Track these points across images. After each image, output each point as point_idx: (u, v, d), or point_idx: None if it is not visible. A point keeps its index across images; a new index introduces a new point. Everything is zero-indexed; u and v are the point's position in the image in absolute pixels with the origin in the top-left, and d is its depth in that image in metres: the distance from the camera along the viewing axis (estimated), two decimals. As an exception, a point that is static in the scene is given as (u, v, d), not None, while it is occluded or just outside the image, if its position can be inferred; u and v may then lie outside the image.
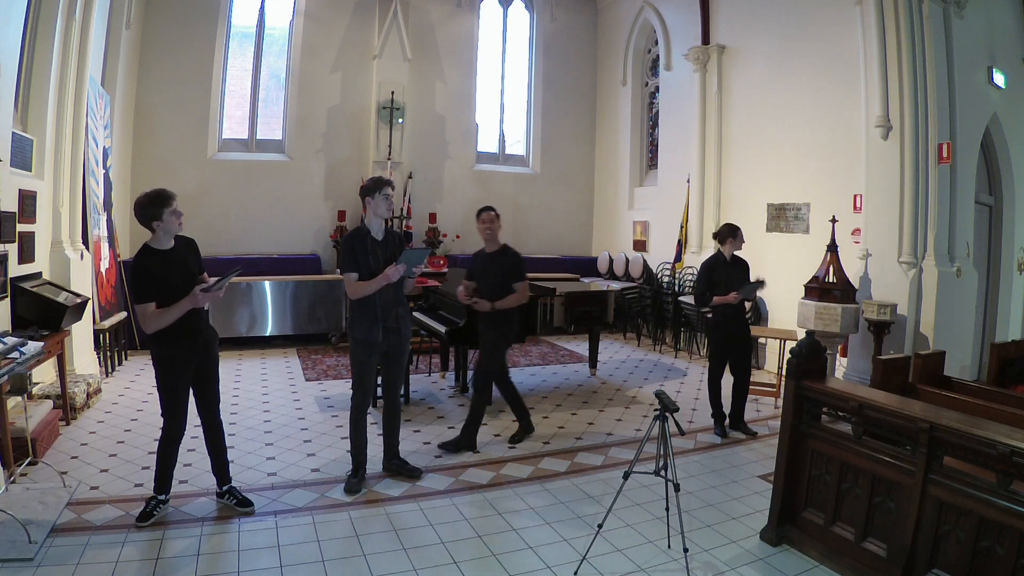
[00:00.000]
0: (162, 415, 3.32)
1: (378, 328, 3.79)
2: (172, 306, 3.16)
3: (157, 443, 3.36)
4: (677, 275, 8.61)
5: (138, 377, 6.23)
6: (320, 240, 9.13)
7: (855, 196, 6.36)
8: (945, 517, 2.63)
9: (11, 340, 3.58)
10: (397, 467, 4.07)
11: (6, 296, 4.46)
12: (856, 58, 6.22)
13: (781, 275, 6.67)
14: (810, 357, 3.31)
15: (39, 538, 3.00)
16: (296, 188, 9.00)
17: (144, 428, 4.73)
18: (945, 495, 2.62)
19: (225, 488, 3.55)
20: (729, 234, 5.12)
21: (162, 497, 3.37)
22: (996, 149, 6.86)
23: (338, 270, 8.57)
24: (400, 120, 9.21)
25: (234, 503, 3.50)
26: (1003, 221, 7.06)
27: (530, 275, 8.17)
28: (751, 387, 5.43)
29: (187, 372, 3.32)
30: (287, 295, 7.79)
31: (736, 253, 5.17)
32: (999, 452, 2.41)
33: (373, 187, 3.83)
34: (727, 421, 5.15)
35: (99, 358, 6.09)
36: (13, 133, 4.66)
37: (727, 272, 5.08)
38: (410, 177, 9.29)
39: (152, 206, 3.19)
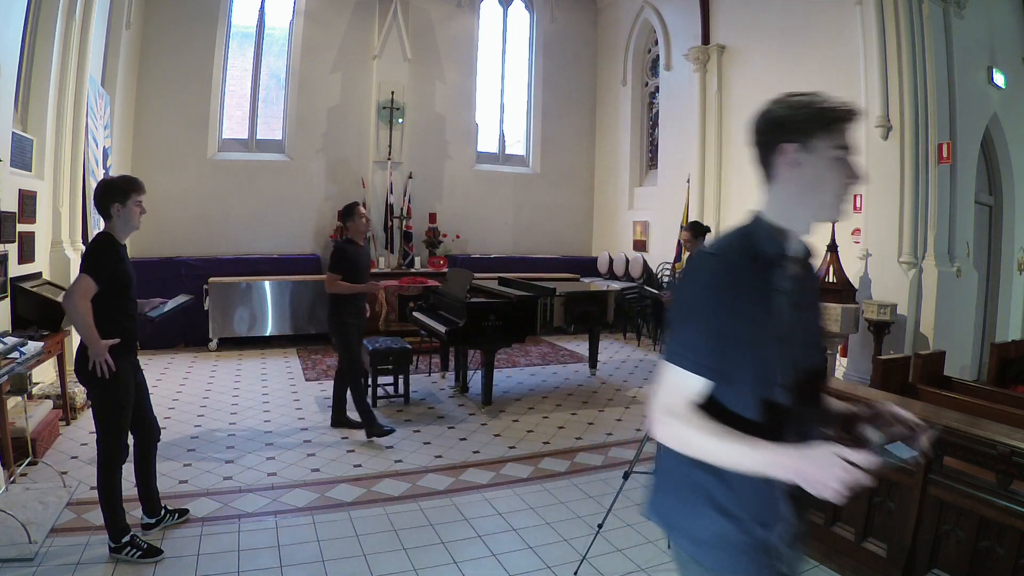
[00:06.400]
0: (102, 443, 2.92)
1: None
2: (89, 322, 2.88)
3: (97, 483, 2.93)
4: (677, 275, 8.61)
5: (138, 377, 6.22)
6: (320, 240, 9.11)
7: (855, 196, 6.34)
8: (945, 517, 2.63)
9: (11, 340, 3.58)
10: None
11: (6, 296, 4.46)
12: (856, 58, 6.22)
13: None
14: (810, 357, 3.30)
15: (39, 538, 3.00)
16: (296, 188, 9.00)
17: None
18: (945, 495, 2.62)
19: (158, 517, 3.24)
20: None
21: (127, 538, 2.94)
22: (996, 149, 6.87)
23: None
24: (400, 120, 9.20)
25: (176, 518, 3.29)
26: (1003, 221, 7.07)
27: (530, 275, 8.29)
28: None
29: (131, 387, 2.99)
30: (287, 295, 7.79)
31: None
32: (999, 452, 2.41)
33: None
34: None
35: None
36: (13, 133, 4.66)
37: None
38: (410, 177, 9.28)
39: (118, 188, 2.90)
